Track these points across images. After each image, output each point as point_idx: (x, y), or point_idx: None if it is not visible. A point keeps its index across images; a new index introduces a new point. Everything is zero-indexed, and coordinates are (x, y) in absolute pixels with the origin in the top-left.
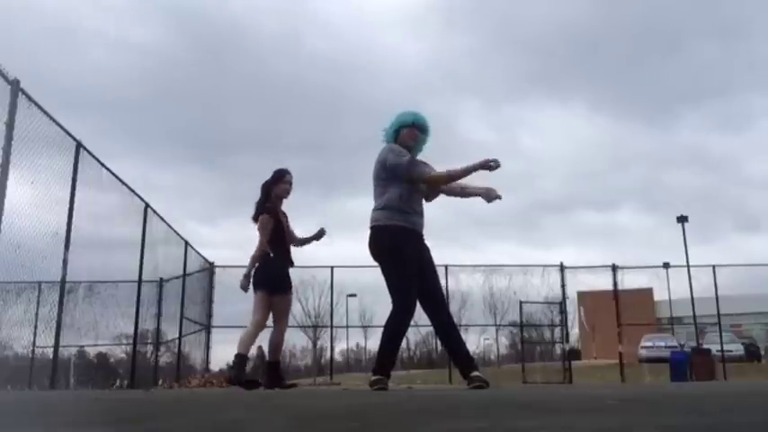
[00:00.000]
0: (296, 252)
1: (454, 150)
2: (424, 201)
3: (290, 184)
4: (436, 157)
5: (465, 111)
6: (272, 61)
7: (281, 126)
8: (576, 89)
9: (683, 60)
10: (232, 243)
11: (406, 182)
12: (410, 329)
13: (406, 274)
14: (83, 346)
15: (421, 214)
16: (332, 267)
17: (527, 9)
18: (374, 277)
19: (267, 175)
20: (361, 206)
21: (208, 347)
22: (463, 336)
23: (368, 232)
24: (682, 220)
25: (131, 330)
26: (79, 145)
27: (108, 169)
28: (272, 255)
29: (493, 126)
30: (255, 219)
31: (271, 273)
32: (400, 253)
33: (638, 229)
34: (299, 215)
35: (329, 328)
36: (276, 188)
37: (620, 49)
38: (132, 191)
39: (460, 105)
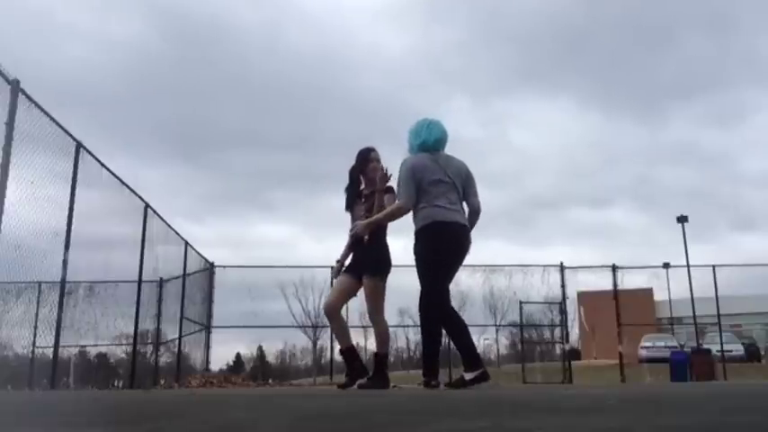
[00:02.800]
0: (292, 251)
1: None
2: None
3: (378, 161)
4: None
5: (452, 106)
6: (254, 57)
7: (266, 122)
8: (565, 83)
9: (675, 54)
10: (223, 242)
11: None
12: (410, 330)
13: None
14: (83, 347)
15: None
16: (332, 267)
17: (513, 0)
18: None
19: (255, 173)
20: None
21: (208, 347)
22: None
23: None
24: (682, 220)
25: (131, 330)
26: (79, 145)
27: (108, 169)
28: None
29: (482, 121)
30: (348, 208)
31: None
32: None
33: (634, 227)
34: (291, 213)
35: (329, 328)
36: (365, 171)
37: (610, 42)
38: (132, 191)
39: (448, 100)
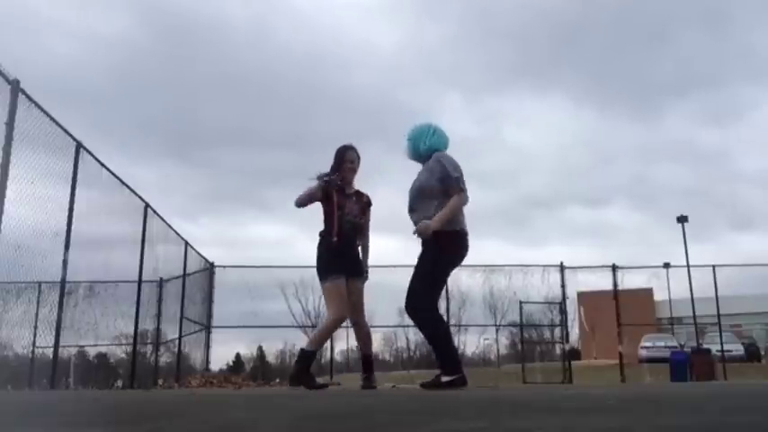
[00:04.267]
0: (288, 251)
1: None
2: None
3: (352, 162)
4: None
5: (445, 103)
6: (245, 54)
7: (258, 120)
8: (559, 80)
9: (670, 50)
10: (218, 241)
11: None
12: (411, 330)
13: None
14: (83, 347)
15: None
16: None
17: None
18: (374, 278)
19: (248, 171)
20: None
21: (208, 347)
22: (463, 336)
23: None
24: (682, 220)
25: (131, 330)
26: (79, 145)
27: (108, 169)
28: (323, 234)
29: (475, 119)
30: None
31: (318, 255)
32: None
33: (630, 226)
34: (286, 212)
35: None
36: (340, 171)
37: (604, 38)
38: (132, 191)
39: (441, 97)
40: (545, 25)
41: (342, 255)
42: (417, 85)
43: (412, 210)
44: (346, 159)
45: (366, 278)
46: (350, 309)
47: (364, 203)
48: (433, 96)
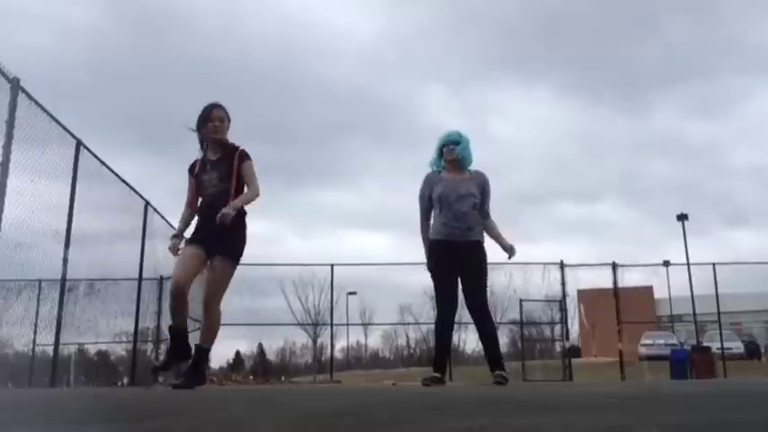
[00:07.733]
0: (277, 248)
1: (423, 135)
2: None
3: (221, 120)
4: (404, 140)
5: (431, 94)
6: (219, 45)
7: (237, 112)
8: (545, 71)
9: (657, 39)
10: None
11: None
12: (410, 327)
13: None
14: (83, 344)
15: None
16: (332, 265)
17: None
18: (374, 276)
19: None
20: (336, 199)
21: None
22: (463, 334)
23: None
24: (682, 218)
25: (132, 328)
26: (79, 143)
27: (108, 167)
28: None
29: (460, 111)
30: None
31: None
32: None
33: (624, 222)
34: (271, 208)
35: (329, 326)
36: (206, 134)
37: (590, 27)
38: (132, 189)
39: (424, 88)
40: (529, 14)
41: (203, 229)
42: (400, 77)
43: (466, 220)
44: (212, 118)
45: (227, 214)
46: (200, 286)
47: (230, 163)
48: (417, 87)
